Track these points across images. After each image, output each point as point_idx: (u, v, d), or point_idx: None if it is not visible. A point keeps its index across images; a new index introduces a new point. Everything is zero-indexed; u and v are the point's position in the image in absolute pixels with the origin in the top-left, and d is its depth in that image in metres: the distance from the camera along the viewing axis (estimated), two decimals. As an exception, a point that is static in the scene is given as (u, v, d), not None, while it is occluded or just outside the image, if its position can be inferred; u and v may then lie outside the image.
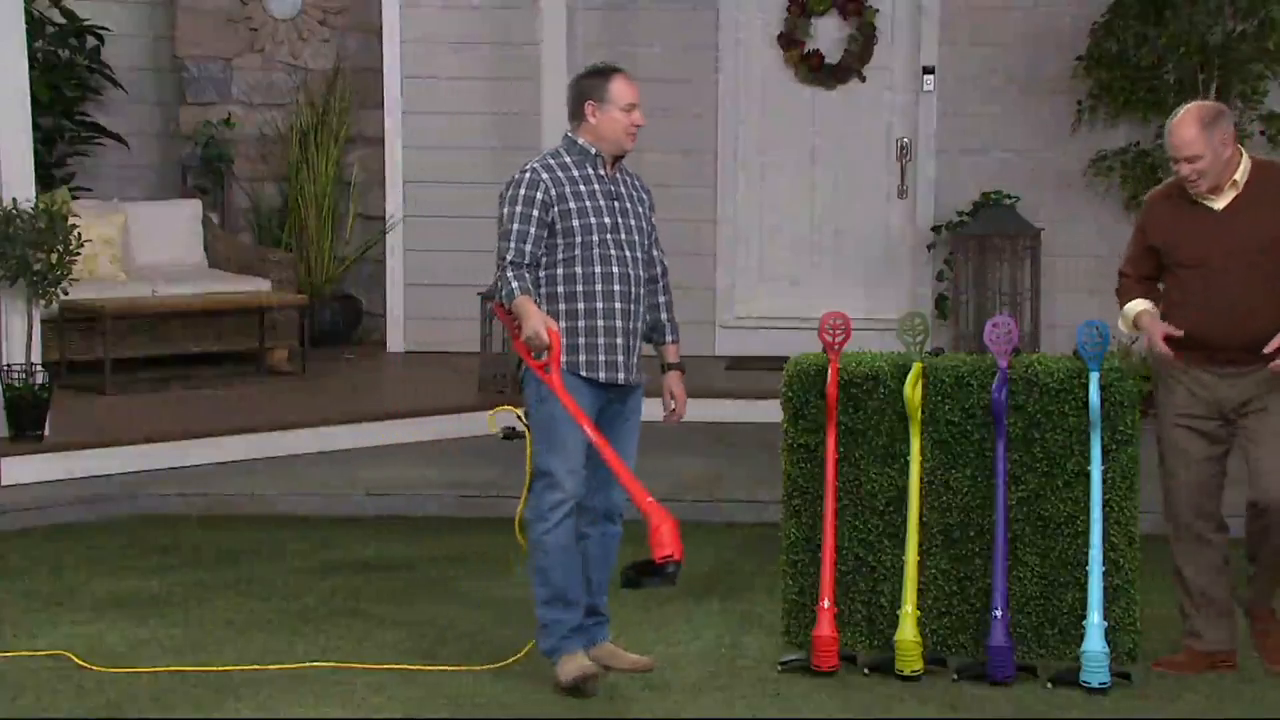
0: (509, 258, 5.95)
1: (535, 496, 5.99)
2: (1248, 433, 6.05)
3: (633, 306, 6.04)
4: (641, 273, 6.09)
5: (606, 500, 6.08)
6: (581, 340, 5.97)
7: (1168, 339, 6.00)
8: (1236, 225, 5.99)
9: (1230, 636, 6.24)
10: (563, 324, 5.95)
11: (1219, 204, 6.03)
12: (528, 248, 5.95)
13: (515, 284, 5.91)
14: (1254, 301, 5.96)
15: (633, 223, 6.08)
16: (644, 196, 6.20)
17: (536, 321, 5.82)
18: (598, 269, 5.99)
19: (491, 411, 6.02)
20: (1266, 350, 5.90)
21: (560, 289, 5.99)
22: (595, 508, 6.07)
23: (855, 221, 12.14)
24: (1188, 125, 5.96)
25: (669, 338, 6.27)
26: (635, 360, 6.08)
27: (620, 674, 6.10)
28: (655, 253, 6.24)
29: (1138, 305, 6.19)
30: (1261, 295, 5.96)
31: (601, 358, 5.99)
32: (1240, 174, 6.02)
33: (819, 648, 6.17)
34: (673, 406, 6.21)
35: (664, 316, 6.26)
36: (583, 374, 5.96)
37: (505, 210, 6.00)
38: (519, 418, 6.05)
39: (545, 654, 6.04)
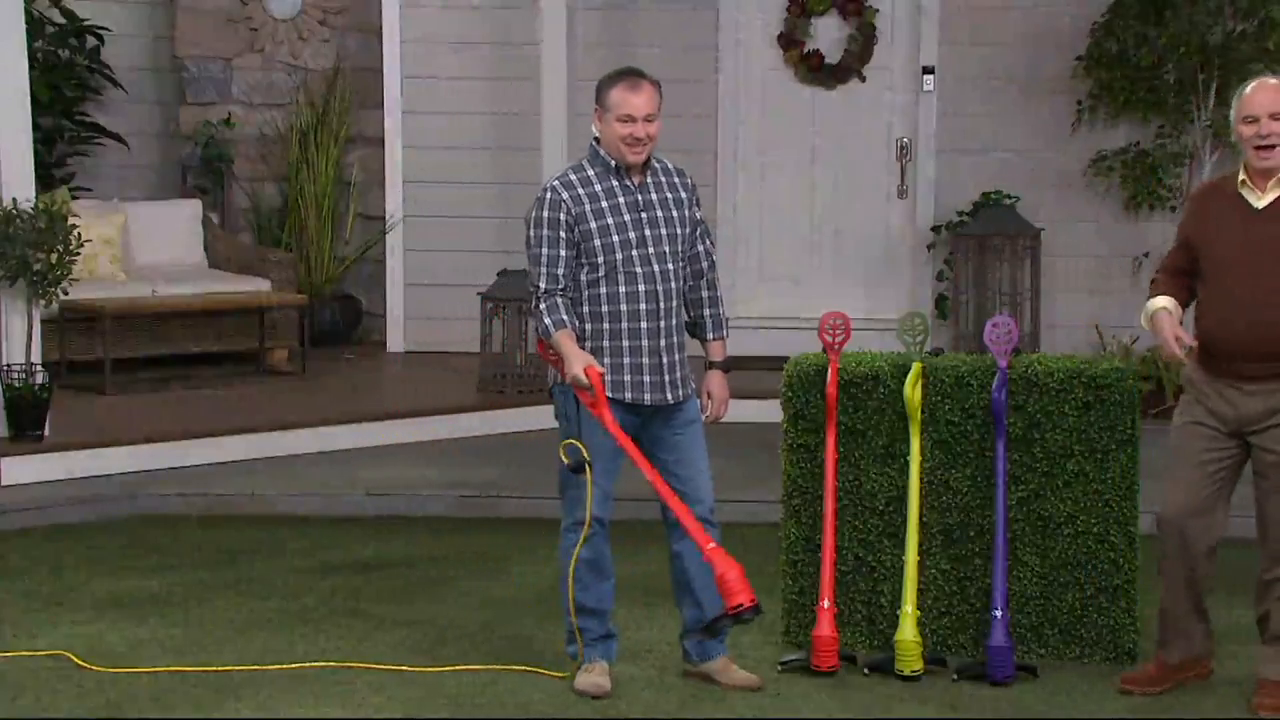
0: (542, 286, 5.85)
1: (564, 510, 5.97)
2: (1264, 484, 5.81)
3: (663, 323, 5.91)
4: (674, 283, 5.93)
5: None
6: (608, 360, 5.87)
7: (1187, 347, 5.76)
8: (1274, 226, 5.75)
9: (1201, 646, 6.02)
10: (590, 344, 5.88)
11: (1261, 202, 5.79)
12: (559, 271, 5.85)
13: (549, 319, 5.82)
14: None
15: (663, 231, 5.91)
16: (682, 196, 6.00)
17: (577, 365, 5.73)
18: (622, 289, 5.86)
19: (566, 440, 5.90)
20: None
21: (586, 309, 5.89)
22: (678, 523, 5.94)
23: (855, 221, 12.13)
24: (1271, 86, 5.74)
25: (710, 335, 6.13)
26: (674, 377, 5.94)
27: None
28: (700, 247, 6.07)
29: (1158, 302, 5.89)
30: None
31: (627, 378, 5.89)
32: None
33: (819, 648, 6.17)
34: (709, 409, 6.10)
35: (707, 313, 6.12)
36: (609, 394, 5.85)
37: (530, 234, 5.88)
38: (582, 452, 5.87)
39: (570, 657, 6.06)
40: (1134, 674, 6.09)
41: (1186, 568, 5.91)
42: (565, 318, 5.82)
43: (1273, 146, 5.74)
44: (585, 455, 5.83)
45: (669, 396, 5.94)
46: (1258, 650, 5.98)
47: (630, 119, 5.85)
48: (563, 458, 5.87)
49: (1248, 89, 5.82)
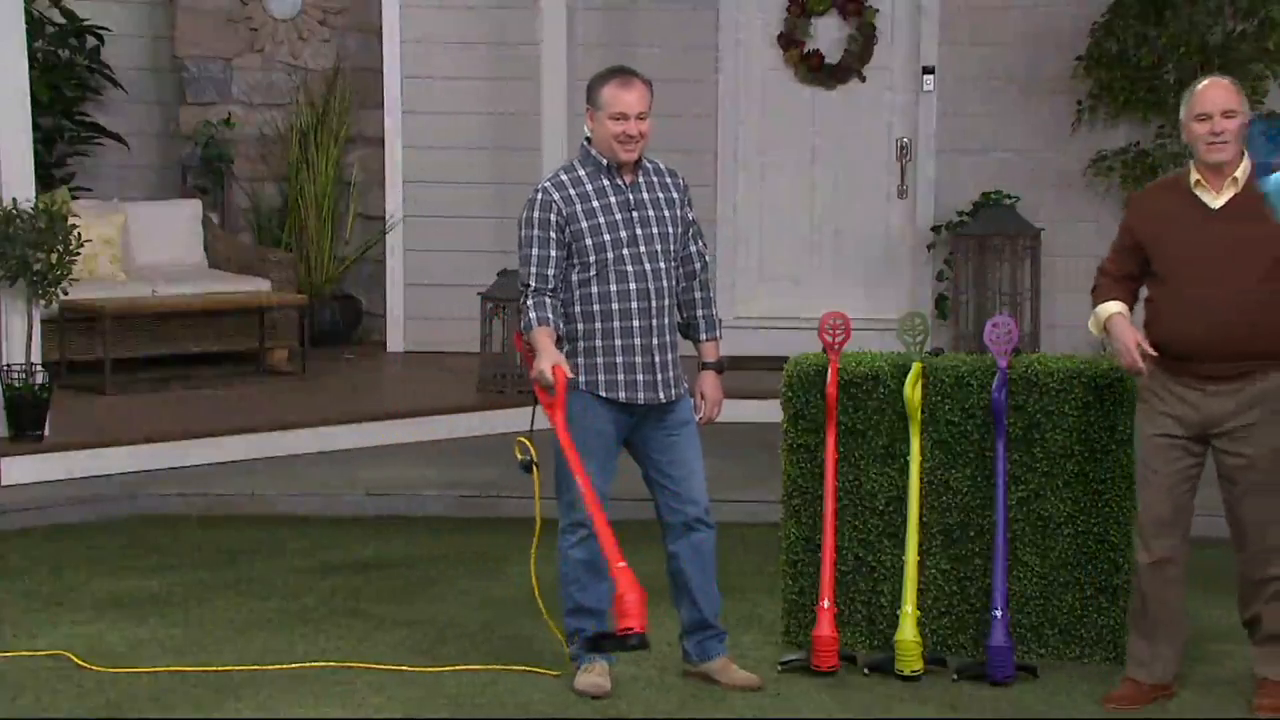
0: (532, 285, 5.86)
1: (561, 511, 5.98)
2: (1233, 489, 5.79)
3: (655, 322, 5.92)
4: (666, 283, 5.94)
5: (681, 514, 5.96)
6: (600, 360, 5.88)
7: (1145, 354, 5.74)
8: (1232, 226, 5.74)
9: (1174, 667, 5.98)
10: (582, 343, 5.89)
11: (1217, 202, 5.79)
12: (549, 272, 5.86)
13: (534, 314, 5.83)
14: (1244, 309, 5.68)
15: (655, 230, 5.92)
16: (674, 196, 6.01)
17: (545, 361, 5.73)
18: (613, 288, 5.87)
19: (521, 436, 5.91)
20: None
21: (578, 309, 5.90)
22: (672, 524, 5.98)
23: (855, 221, 12.14)
24: (1223, 84, 5.82)
25: (704, 335, 6.11)
26: (666, 376, 5.93)
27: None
28: (693, 248, 6.07)
29: (1111, 307, 5.87)
30: (1254, 303, 5.68)
31: (620, 377, 5.89)
32: (1241, 172, 5.80)
33: (819, 648, 6.17)
34: (702, 410, 6.09)
35: (699, 313, 6.10)
36: (602, 394, 5.88)
37: (522, 234, 5.90)
38: (530, 452, 5.88)
39: (571, 659, 6.06)
40: (1117, 693, 5.98)
41: (1160, 579, 5.87)
42: (549, 315, 5.84)
43: (1225, 143, 5.78)
44: (534, 456, 5.85)
45: (661, 396, 5.94)
46: (1253, 651, 5.96)
47: (623, 116, 5.85)
48: (516, 454, 5.88)
49: (1199, 86, 5.89)
